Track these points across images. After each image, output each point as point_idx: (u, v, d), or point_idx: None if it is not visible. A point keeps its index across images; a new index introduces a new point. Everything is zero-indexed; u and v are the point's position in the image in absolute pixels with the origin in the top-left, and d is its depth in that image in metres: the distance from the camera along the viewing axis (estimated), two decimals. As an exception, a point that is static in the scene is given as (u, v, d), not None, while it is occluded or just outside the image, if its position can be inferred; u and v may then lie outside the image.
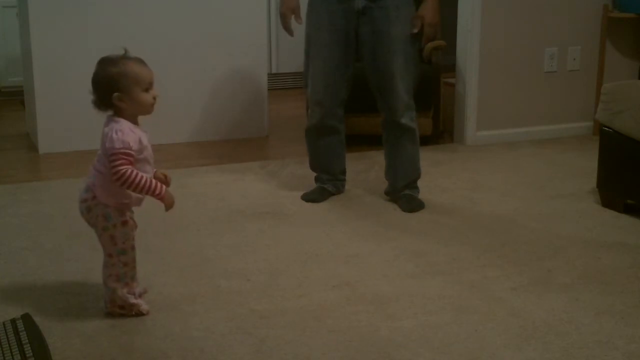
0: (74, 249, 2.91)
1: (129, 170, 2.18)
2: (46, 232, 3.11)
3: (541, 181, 3.86)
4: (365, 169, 3.85)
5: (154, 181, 2.24)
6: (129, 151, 2.19)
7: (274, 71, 6.52)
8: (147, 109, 2.26)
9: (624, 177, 3.34)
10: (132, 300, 2.33)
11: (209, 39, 4.66)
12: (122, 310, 2.33)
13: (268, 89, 4.94)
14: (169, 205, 2.27)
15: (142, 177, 2.20)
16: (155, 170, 2.33)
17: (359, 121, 4.35)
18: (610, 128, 3.36)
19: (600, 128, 3.50)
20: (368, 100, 3.83)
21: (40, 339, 2.12)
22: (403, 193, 3.46)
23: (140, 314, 2.34)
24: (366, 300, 2.47)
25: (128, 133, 2.20)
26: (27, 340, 2.08)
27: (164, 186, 2.25)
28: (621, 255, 2.87)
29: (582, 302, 2.46)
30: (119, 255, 2.30)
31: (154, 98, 2.25)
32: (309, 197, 3.50)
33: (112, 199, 2.26)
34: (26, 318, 2.23)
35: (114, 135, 2.18)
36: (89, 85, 4.08)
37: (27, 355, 2.01)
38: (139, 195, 2.27)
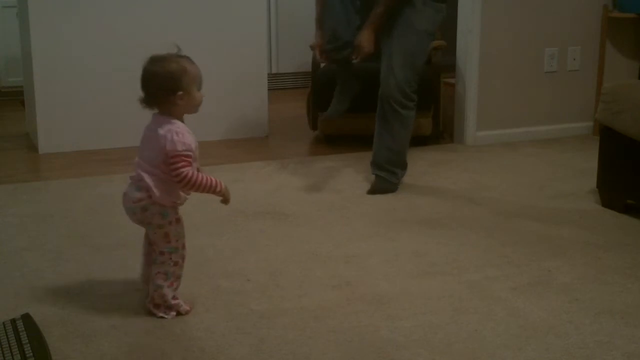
0: (74, 249, 2.91)
1: (191, 172, 2.20)
2: (46, 232, 3.11)
3: (541, 181, 3.86)
4: (365, 169, 3.85)
5: (213, 179, 2.25)
6: (190, 152, 2.20)
7: (274, 71, 6.53)
8: (197, 108, 2.28)
9: (624, 177, 3.34)
10: (172, 301, 2.32)
11: (209, 39, 4.66)
12: (156, 310, 2.32)
13: (268, 89, 4.94)
14: (227, 199, 2.30)
15: (203, 177, 2.23)
16: None
17: (359, 121, 4.35)
18: (610, 128, 3.36)
19: (600, 128, 3.50)
20: (368, 100, 3.84)
21: (40, 339, 2.12)
22: (378, 174, 3.64)
23: (179, 314, 2.34)
24: (366, 300, 2.47)
25: (186, 134, 2.21)
26: (27, 340, 2.09)
27: (221, 181, 2.27)
28: (621, 255, 2.87)
29: (582, 302, 2.46)
30: (171, 253, 2.30)
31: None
32: (331, 113, 3.77)
33: (169, 199, 2.27)
34: (26, 318, 2.23)
35: (175, 137, 2.18)
36: (88, 86, 4.10)
37: (27, 355, 2.01)
38: (187, 196, 2.30)
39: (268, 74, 5.06)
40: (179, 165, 2.19)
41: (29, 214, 3.34)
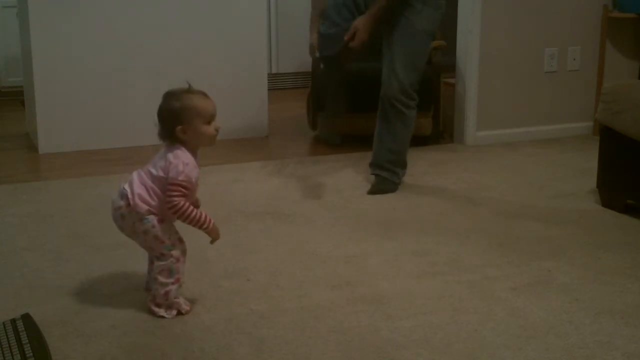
0: (74, 249, 2.91)
1: (183, 203, 2.24)
2: (46, 232, 3.11)
3: (541, 181, 3.86)
4: (365, 169, 3.85)
5: (203, 214, 2.29)
6: (189, 185, 2.25)
7: (274, 71, 6.53)
8: (209, 141, 2.31)
9: (624, 177, 3.34)
10: (174, 299, 2.33)
11: (209, 39, 4.66)
12: (158, 309, 2.33)
13: (268, 89, 4.94)
14: (215, 239, 2.33)
15: (193, 210, 2.26)
16: None
17: (358, 121, 4.35)
18: (610, 128, 3.36)
19: (600, 128, 3.50)
20: (368, 100, 3.85)
21: (40, 339, 2.12)
22: (379, 174, 3.65)
23: (180, 314, 2.35)
24: (366, 300, 2.47)
25: (192, 168, 2.26)
26: (27, 340, 2.09)
27: (212, 220, 2.30)
28: (621, 255, 2.87)
29: (582, 302, 2.46)
30: (170, 250, 2.32)
31: (217, 130, 2.30)
32: (324, 135, 3.79)
33: (147, 208, 2.28)
34: (26, 318, 2.23)
35: (180, 167, 2.23)
36: (88, 86, 4.11)
37: (27, 355, 2.01)
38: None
39: (268, 74, 5.06)
40: (175, 194, 2.23)
41: (29, 214, 3.34)
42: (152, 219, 2.29)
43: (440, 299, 2.48)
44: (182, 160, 2.25)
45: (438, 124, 4.65)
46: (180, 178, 2.23)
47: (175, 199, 2.24)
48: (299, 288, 2.56)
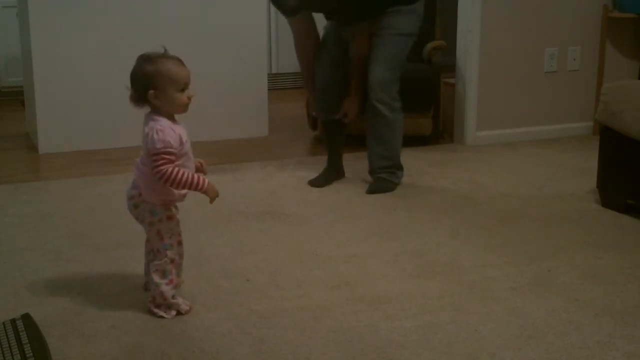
0: (74, 249, 2.91)
1: (170, 169, 2.21)
2: (46, 232, 3.11)
3: (541, 181, 3.86)
4: (365, 169, 3.85)
5: (195, 176, 2.26)
6: (170, 150, 2.21)
7: (274, 71, 6.53)
8: (181, 109, 2.27)
9: (624, 177, 3.34)
10: (172, 300, 2.33)
11: (209, 39, 4.66)
12: (157, 309, 2.33)
13: (268, 89, 4.94)
14: (212, 197, 2.30)
15: (183, 173, 2.23)
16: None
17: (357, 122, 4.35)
18: (610, 128, 3.36)
19: (600, 128, 3.50)
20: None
21: (40, 339, 2.12)
22: (378, 175, 3.70)
23: (179, 314, 2.34)
24: (366, 300, 2.47)
25: (168, 132, 2.22)
26: (27, 340, 2.09)
27: (205, 179, 2.28)
28: (621, 255, 2.87)
29: (582, 302, 2.46)
30: (166, 250, 2.32)
31: (189, 98, 2.27)
32: (315, 183, 3.76)
33: (157, 197, 2.29)
34: (26, 318, 2.23)
35: (155, 136, 2.21)
36: (88, 86, 4.12)
37: (27, 355, 2.01)
38: (182, 192, 2.31)
39: (268, 74, 5.06)
40: (159, 163, 2.21)
41: (29, 214, 3.34)
42: (161, 214, 2.29)
43: (440, 299, 2.48)
44: (155, 129, 2.21)
45: (438, 124, 4.65)
46: (158, 146, 2.20)
47: (162, 167, 2.20)
48: (299, 288, 2.56)
